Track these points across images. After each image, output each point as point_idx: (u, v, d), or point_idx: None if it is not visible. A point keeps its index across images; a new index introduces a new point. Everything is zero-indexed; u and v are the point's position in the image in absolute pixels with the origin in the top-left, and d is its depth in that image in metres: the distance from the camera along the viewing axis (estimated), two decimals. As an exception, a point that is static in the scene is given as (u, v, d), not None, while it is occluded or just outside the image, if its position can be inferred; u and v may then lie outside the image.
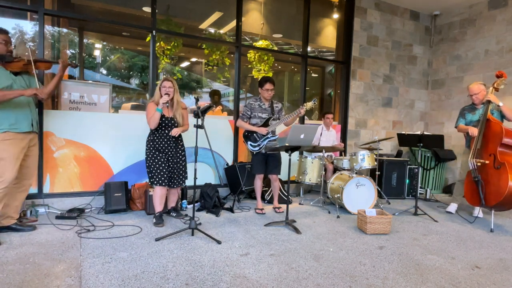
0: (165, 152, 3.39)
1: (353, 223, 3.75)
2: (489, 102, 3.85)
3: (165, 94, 3.27)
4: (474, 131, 3.86)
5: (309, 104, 3.80)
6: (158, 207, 3.45)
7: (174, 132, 3.35)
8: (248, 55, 5.73)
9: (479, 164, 3.75)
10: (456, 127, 4.29)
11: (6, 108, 2.78)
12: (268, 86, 3.90)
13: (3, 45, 2.79)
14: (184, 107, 3.55)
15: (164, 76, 6.85)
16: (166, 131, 3.38)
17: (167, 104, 3.33)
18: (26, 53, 2.91)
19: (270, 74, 5.79)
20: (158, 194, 3.42)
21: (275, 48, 5.93)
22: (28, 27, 4.50)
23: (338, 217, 3.97)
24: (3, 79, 2.78)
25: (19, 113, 2.84)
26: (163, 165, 3.37)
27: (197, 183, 4.01)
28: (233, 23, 4.95)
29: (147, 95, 5.05)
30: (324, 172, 4.56)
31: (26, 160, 2.98)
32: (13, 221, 3.03)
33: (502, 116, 3.94)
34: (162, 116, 3.32)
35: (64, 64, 3.19)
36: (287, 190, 3.84)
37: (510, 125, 3.81)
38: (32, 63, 2.91)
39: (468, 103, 4.30)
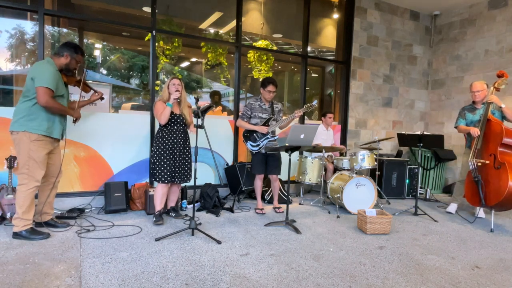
0: (173, 148, 3.43)
1: (353, 223, 3.75)
2: (490, 102, 3.85)
3: (176, 91, 3.37)
4: (476, 131, 3.85)
5: (305, 106, 3.78)
6: (159, 205, 3.46)
7: (193, 130, 3.51)
8: (248, 55, 5.73)
9: (479, 164, 3.75)
10: (455, 127, 4.29)
11: (50, 113, 2.94)
12: (270, 88, 3.90)
13: (76, 62, 3.08)
14: (189, 106, 3.62)
15: (164, 76, 6.85)
16: (175, 127, 3.46)
17: (179, 100, 3.42)
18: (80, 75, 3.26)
19: (270, 74, 5.79)
20: (160, 192, 3.44)
21: (275, 48, 5.93)
22: (28, 27, 4.50)
23: (338, 217, 3.97)
24: (61, 87, 3.00)
25: (56, 120, 3.00)
26: (168, 162, 3.39)
27: (197, 183, 4.02)
28: (233, 23, 4.95)
29: (147, 95, 5.04)
30: (324, 172, 4.56)
31: (51, 158, 3.11)
32: (49, 216, 3.22)
33: (503, 117, 3.95)
34: (171, 112, 3.41)
35: (100, 96, 3.42)
36: (287, 190, 3.84)
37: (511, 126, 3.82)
38: (81, 84, 3.20)
39: (468, 103, 4.30)
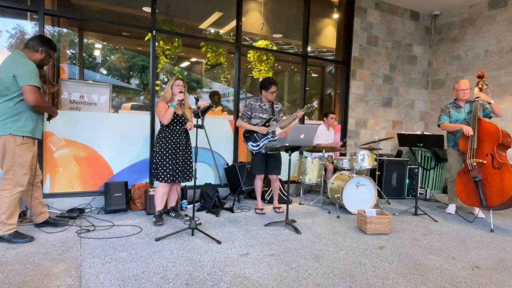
0: (176, 147, 3.44)
1: (353, 223, 3.75)
2: (478, 99, 3.87)
3: (180, 92, 3.37)
4: (469, 130, 3.83)
5: (306, 107, 3.78)
6: (159, 205, 3.46)
7: (189, 126, 3.51)
8: (248, 55, 5.73)
9: (474, 164, 3.75)
10: (439, 125, 4.26)
11: (34, 112, 2.83)
12: (273, 89, 3.92)
13: (49, 59, 2.97)
14: (189, 107, 3.63)
15: (164, 76, 6.84)
16: (177, 127, 3.47)
17: (183, 102, 3.44)
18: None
19: (270, 74, 5.79)
20: (161, 191, 3.45)
21: (275, 48, 5.93)
22: (28, 27, 4.49)
23: (338, 217, 3.97)
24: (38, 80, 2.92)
25: (39, 119, 2.90)
26: (170, 162, 3.40)
27: (197, 183, 4.02)
28: (233, 23, 4.95)
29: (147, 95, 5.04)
30: (324, 172, 4.56)
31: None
32: (47, 215, 3.19)
33: (485, 115, 3.98)
34: (174, 112, 3.40)
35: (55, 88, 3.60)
36: (287, 190, 3.84)
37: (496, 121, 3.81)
38: (46, 81, 3.25)
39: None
